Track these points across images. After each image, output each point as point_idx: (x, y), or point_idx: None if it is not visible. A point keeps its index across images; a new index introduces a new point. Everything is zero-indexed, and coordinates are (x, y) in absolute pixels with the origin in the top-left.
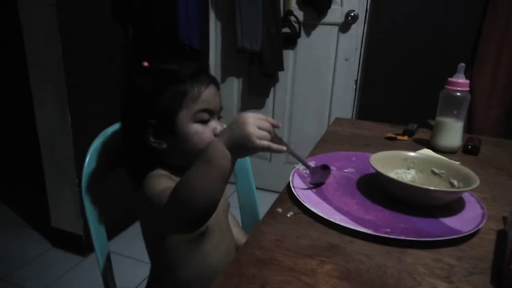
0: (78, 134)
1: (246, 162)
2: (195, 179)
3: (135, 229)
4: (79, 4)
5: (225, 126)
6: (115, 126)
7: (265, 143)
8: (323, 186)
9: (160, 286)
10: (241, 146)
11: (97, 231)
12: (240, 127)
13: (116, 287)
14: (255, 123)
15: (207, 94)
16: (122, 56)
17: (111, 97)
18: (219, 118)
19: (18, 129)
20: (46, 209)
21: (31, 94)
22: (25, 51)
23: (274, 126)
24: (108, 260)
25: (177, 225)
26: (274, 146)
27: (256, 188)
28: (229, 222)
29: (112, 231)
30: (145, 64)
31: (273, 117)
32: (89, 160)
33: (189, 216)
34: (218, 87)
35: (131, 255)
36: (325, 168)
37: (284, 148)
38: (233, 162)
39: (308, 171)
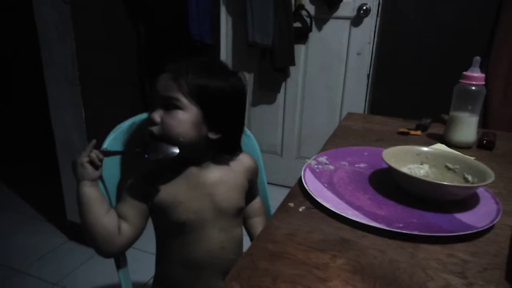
0: (92, 130)
1: (258, 157)
2: None
3: (149, 223)
4: (93, 2)
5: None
6: (129, 121)
7: (79, 159)
8: (335, 181)
9: (158, 269)
10: (75, 175)
11: None
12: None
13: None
14: (74, 162)
15: (155, 83)
16: (134, 53)
17: (124, 93)
18: (168, 107)
19: (33, 125)
20: (62, 203)
21: (46, 91)
22: (39, 49)
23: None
24: (122, 253)
25: None
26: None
27: (267, 183)
28: (254, 211)
29: None
30: None
31: (284, 112)
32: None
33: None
34: (171, 75)
35: (145, 249)
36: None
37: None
38: (80, 189)
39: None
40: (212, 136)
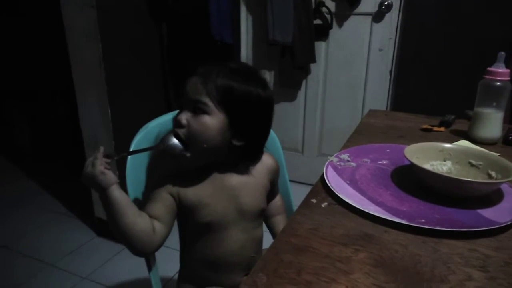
0: (118, 129)
1: (280, 156)
2: None
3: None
4: (117, 5)
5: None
6: (156, 121)
7: (97, 167)
8: (357, 177)
9: (181, 265)
10: (96, 185)
11: None
12: (92, 185)
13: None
14: (87, 174)
15: (184, 85)
16: (157, 53)
17: (148, 92)
18: (196, 111)
19: (62, 124)
20: (90, 200)
21: (75, 91)
22: (68, 51)
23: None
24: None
25: None
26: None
27: (289, 180)
28: (276, 209)
29: None
30: None
31: (305, 110)
32: None
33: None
34: (201, 79)
35: (171, 246)
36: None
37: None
38: (104, 197)
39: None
40: (236, 143)
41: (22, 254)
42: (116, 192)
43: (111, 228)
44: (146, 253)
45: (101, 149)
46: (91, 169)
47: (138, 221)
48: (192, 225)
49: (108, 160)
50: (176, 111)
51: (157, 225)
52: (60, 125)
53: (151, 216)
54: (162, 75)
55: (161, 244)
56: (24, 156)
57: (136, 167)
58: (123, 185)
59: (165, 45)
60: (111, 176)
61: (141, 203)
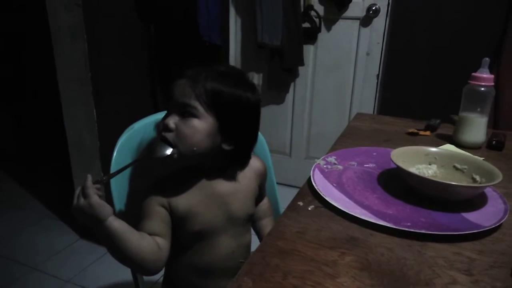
0: (103, 130)
1: (267, 158)
2: None
3: None
4: (104, 4)
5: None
6: (142, 122)
7: (93, 198)
8: (344, 180)
9: (167, 270)
10: (93, 217)
11: None
12: (86, 217)
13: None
14: (82, 206)
15: (172, 88)
16: (145, 53)
17: (135, 93)
18: (184, 114)
19: (47, 126)
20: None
21: (59, 92)
22: (53, 50)
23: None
24: None
25: None
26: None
27: (276, 183)
28: (263, 212)
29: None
30: None
31: (292, 113)
32: (117, 155)
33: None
34: (189, 82)
35: None
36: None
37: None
38: (102, 229)
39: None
40: (226, 147)
41: (4, 257)
42: (116, 221)
43: (115, 257)
44: (159, 270)
45: (89, 177)
46: (85, 201)
47: (143, 245)
48: (181, 233)
49: (99, 186)
50: (162, 112)
51: (160, 240)
52: (45, 126)
53: (151, 234)
54: (149, 76)
55: (167, 257)
56: (8, 158)
57: (119, 176)
58: (108, 194)
59: (153, 45)
60: (107, 207)
61: (125, 214)
